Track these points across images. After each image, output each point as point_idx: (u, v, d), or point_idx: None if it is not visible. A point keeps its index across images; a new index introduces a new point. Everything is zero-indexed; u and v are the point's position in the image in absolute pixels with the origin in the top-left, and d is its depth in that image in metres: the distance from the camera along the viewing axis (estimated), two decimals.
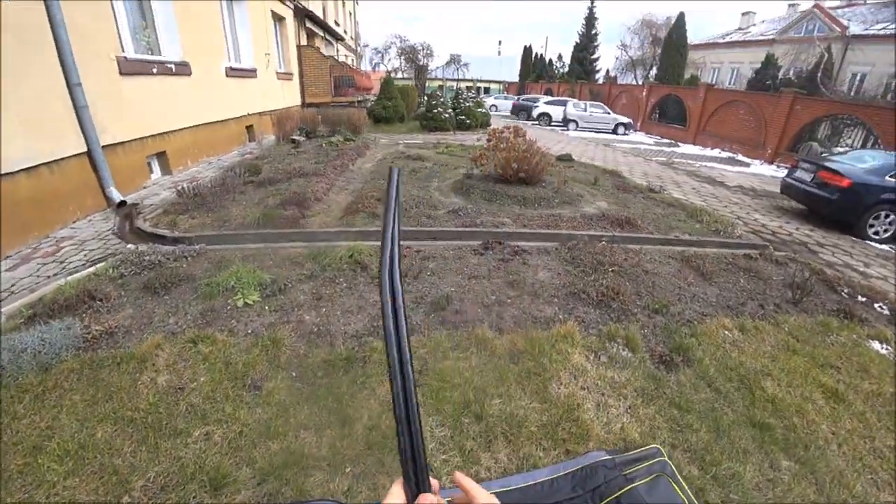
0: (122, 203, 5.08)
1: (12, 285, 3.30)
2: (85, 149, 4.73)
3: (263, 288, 3.28)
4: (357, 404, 2.30)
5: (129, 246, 4.08)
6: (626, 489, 1.80)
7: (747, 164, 13.64)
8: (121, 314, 2.91)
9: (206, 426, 2.07)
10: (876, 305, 4.35)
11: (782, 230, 6.62)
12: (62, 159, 4.44)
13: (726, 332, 3.24)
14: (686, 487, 1.82)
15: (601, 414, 2.34)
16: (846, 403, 2.77)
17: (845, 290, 4.53)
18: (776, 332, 3.40)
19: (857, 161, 7.05)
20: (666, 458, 1.95)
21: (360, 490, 1.86)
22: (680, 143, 18.01)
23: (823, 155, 8.50)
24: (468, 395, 2.41)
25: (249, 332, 2.79)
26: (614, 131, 20.24)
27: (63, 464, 1.84)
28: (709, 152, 15.73)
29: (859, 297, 4.43)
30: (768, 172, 12.36)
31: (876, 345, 3.56)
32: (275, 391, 2.32)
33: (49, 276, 3.45)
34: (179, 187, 5.32)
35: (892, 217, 6.57)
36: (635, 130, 21.30)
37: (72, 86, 4.47)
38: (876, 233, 6.68)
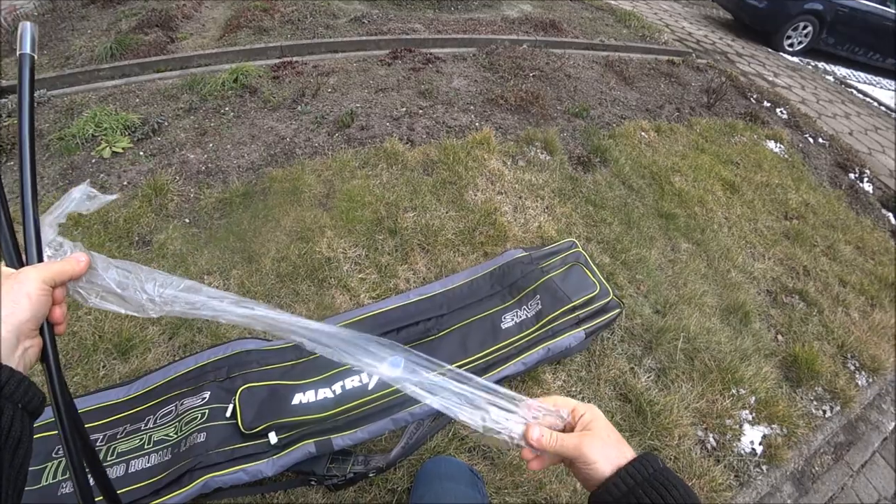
0: None
1: None
2: None
3: (132, 131, 2.72)
4: (262, 239, 2.12)
5: None
6: (541, 280, 1.87)
7: None
8: None
9: None
10: (778, 110, 4.65)
11: (707, 39, 6.60)
12: None
13: (643, 134, 3.29)
14: (598, 272, 1.93)
15: (519, 215, 2.35)
16: (739, 193, 3.04)
17: (754, 96, 4.75)
18: (689, 133, 3.52)
19: None
20: (580, 250, 2.02)
21: None
22: None
23: None
24: (380, 212, 2.29)
25: (125, 183, 2.38)
26: None
27: None
28: None
29: (765, 103, 4.69)
30: None
31: (771, 144, 3.86)
32: (168, 242, 2.06)
33: None
34: None
35: (809, 29, 6.72)
36: None
37: None
38: (791, 45, 6.89)
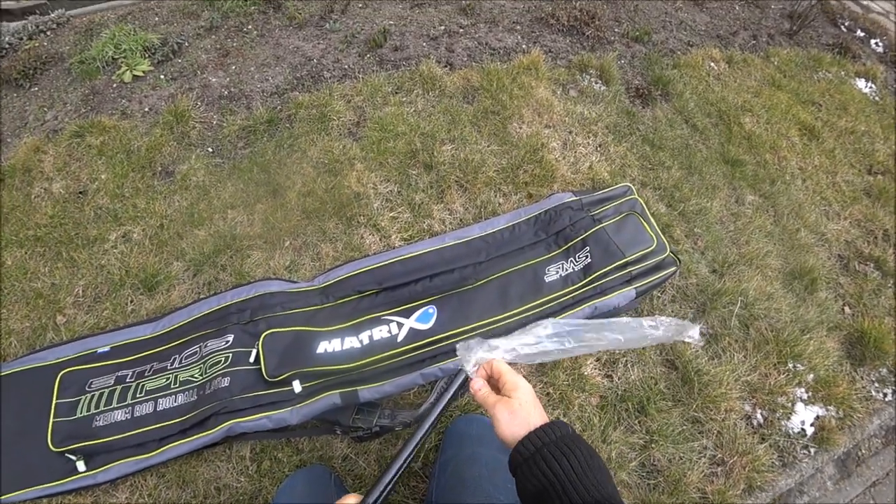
0: None
1: None
2: None
3: (153, 53, 2.61)
4: (287, 171, 2.05)
5: None
6: (592, 230, 1.72)
7: None
8: None
9: (121, 227, 1.83)
10: (872, 42, 4.14)
11: None
12: None
13: (712, 64, 2.97)
14: (654, 224, 1.78)
15: (568, 153, 2.18)
16: (819, 140, 2.76)
17: (846, 24, 4.23)
18: (765, 66, 3.16)
19: None
20: (636, 197, 1.83)
21: (303, 262, 1.77)
22: None
23: None
24: (415, 144, 2.16)
25: (147, 110, 2.29)
26: None
27: None
28: None
29: (858, 32, 4.18)
30: None
31: (861, 83, 3.46)
32: (190, 173, 2.01)
33: None
34: None
35: None
36: None
37: None
38: None
